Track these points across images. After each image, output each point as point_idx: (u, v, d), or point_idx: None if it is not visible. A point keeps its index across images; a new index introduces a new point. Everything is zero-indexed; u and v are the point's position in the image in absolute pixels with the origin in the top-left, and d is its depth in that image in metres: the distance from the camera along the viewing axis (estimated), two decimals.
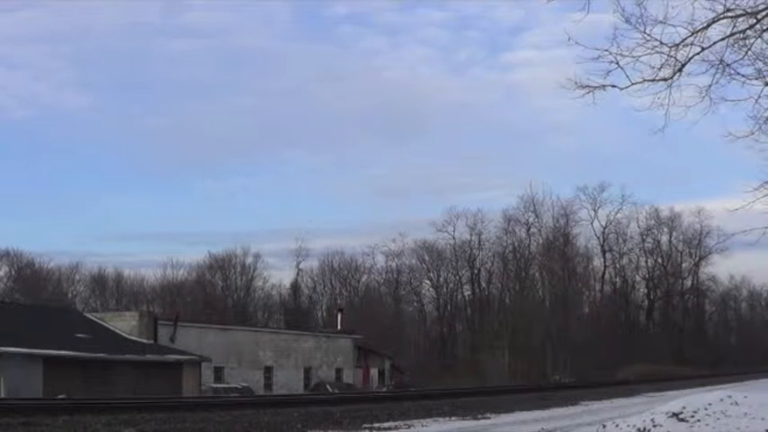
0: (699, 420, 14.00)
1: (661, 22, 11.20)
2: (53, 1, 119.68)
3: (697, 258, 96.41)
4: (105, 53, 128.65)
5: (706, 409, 14.74)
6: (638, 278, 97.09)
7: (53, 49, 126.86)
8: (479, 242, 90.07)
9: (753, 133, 12.11)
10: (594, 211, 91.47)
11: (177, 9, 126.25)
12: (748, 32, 11.12)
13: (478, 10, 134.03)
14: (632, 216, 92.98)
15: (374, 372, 63.54)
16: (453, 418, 23.11)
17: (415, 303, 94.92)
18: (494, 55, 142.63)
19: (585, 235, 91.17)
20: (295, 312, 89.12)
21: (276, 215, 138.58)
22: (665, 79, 11.60)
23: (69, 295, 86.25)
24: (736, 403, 15.19)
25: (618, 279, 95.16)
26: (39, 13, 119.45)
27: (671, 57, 11.46)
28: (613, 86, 11.82)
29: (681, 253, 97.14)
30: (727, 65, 11.51)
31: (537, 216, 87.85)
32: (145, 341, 43.34)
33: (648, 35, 11.31)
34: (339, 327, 65.29)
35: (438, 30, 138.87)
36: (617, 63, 11.54)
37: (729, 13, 11.01)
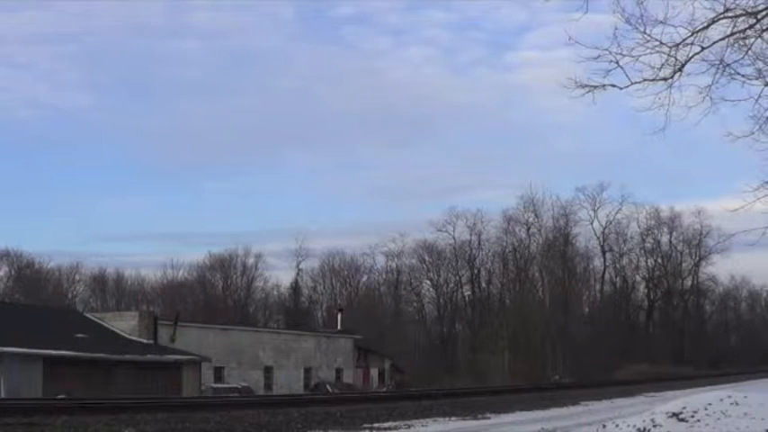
0: (699, 420, 14.00)
1: (661, 22, 11.20)
2: (57, 1, 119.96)
3: (697, 258, 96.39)
4: (108, 53, 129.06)
5: (706, 409, 14.75)
6: (638, 278, 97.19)
7: (56, 49, 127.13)
8: (479, 242, 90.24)
9: (753, 133, 12.09)
10: (594, 211, 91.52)
11: (181, 10, 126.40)
12: (748, 32, 11.11)
13: (481, 11, 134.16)
14: (632, 216, 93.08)
15: (374, 372, 63.54)
16: (453, 418, 23.11)
17: (415, 303, 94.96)
18: (496, 56, 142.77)
19: (585, 235, 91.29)
20: (295, 312, 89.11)
21: (276, 215, 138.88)
22: (665, 79, 11.60)
23: (69, 295, 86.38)
24: (736, 403, 15.20)
25: (618, 279, 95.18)
26: (42, 14, 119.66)
27: (671, 57, 11.45)
28: (613, 86, 11.81)
29: (681, 253, 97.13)
30: (727, 65, 11.50)
31: (537, 216, 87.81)
32: (145, 341, 43.38)
33: (648, 35, 11.31)
34: (339, 327, 65.28)
35: (441, 30, 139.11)
36: (617, 63, 11.54)
37: (729, 13, 11.00)
